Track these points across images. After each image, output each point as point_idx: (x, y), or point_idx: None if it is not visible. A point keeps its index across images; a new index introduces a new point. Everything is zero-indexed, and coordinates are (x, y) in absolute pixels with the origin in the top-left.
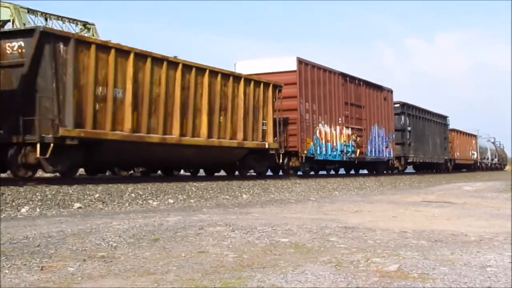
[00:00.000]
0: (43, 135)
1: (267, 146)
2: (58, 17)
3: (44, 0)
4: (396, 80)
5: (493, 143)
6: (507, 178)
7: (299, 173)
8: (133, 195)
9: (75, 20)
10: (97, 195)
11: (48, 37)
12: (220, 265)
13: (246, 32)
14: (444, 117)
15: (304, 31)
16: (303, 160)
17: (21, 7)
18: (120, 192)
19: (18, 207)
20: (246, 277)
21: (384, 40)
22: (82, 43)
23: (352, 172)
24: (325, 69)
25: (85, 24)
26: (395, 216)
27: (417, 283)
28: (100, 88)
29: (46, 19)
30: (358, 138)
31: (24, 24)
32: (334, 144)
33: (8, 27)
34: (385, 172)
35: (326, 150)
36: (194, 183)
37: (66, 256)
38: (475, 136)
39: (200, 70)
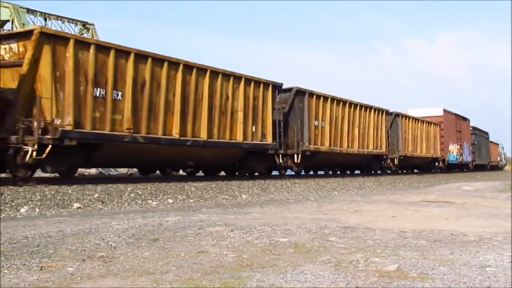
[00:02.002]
0: None
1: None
2: (58, 17)
3: (43, 0)
4: (396, 80)
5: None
6: (506, 178)
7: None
8: (132, 195)
9: (74, 20)
10: (96, 195)
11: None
12: (220, 265)
13: (246, 32)
14: (487, 133)
15: (304, 31)
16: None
17: (20, 7)
18: (119, 192)
19: (18, 207)
20: (246, 277)
21: (384, 40)
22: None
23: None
24: (456, 115)
25: (84, 24)
26: (394, 216)
27: (416, 283)
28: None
29: (45, 19)
30: (460, 151)
31: (24, 25)
32: (454, 154)
33: (7, 27)
34: (465, 170)
35: (451, 157)
36: (194, 183)
37: (65, 256)
38: (497, 144)
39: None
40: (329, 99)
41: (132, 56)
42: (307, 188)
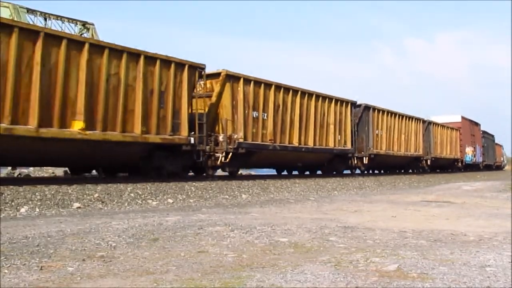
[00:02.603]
0: None
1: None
2: (58, 17)
3: (43, 0)
4: (395, 80)
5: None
6: (506, 177)
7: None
8: (132, 195)
9: (74, 20)
10: (96, 195)
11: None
12: (220, 265)
13: (246, 32)
14: (493, 135)
15: (304, 31)
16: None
17: (20, 7)
18: (119, 192)
19: (18, 207)
20: (246, 276)
21: (384, 40)
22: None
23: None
24: (471, 121)
25: (84, 24)
26: (394, 216)
27: (416, 283)
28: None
29: (45, 19)
30: (474, 152)
31: None
32: (469, 155)
33: None
34: (481, 169)
35: (467, 158)
36: (193, 183)
37: (65, 256)
38: (501, 146)
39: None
40: (385, 112)
41: (273, 88)
42: (307, 188)
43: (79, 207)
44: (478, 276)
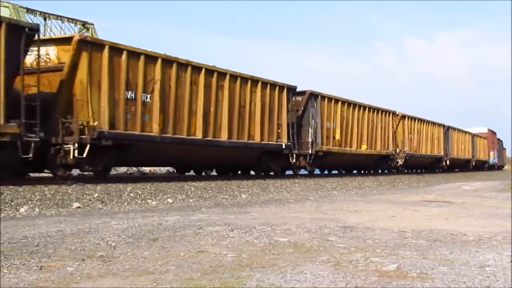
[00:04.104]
0: None
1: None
2: (57, 17)
3: (43, 0)
4: (395, 80)
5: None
6: (506, 177)
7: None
8: (132, 194)
9: (74, 19)
10: (96, 195)
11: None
12: (219, 265)
13: (246, 32)
14: (502, 141)
15: (303, 30)
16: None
17: (20, 6)
18: (119, 191)
19: (17, 207)
20: (245, 276)
21: (384, 40)
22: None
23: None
24: (492, 131)
25: (84, 24)
26: (394, 216)
27: (416, 283)
28: None
29: (45, 19)
30: (493, 156)
31: None
32: (491, 158)
33: None
34: (495, 168)
35: (491, 160)
36: (193, 183)
37: (65, 256)
38: (505, 149)
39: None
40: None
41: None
42: (306, 188)
43: (79, 207)
44: (477, 276)
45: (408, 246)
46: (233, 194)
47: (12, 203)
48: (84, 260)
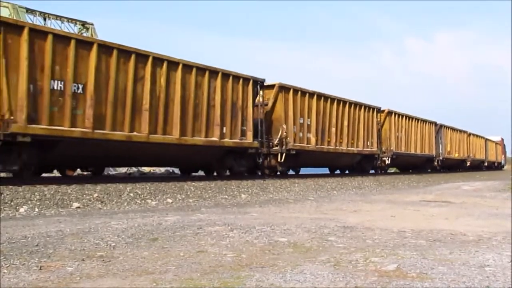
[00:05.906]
0: None
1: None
2: (57, 17)
3: (43, 0)
4: (395, 80)
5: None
6: (506, 177)
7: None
8: (131, 194)
9: (74, 19)
10: (95, 195)
11: None
12: (219, 265)
13: (246, 32)
14: (505, 145)
15: (303, 30)
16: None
17: (20, 6)
18: (118, 191)
19: (17, 207)
20: (245, 276)
21: (383, 40)
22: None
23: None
24: (502, 138)
25: (83, 24)
26: (393, 216)
27: (415, 283)
28: None
29: (44, 19)
30: (502, 157)
31: None
32: (502, 160)
33: None
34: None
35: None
36: (193, 183)
37: (64, 256)
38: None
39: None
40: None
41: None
42: (306, 188)
43: (79, 207)
44: (477, 276)
45: (407, 246)
46: (233, 194)
47: (12, 203)
48: (84, 260)
